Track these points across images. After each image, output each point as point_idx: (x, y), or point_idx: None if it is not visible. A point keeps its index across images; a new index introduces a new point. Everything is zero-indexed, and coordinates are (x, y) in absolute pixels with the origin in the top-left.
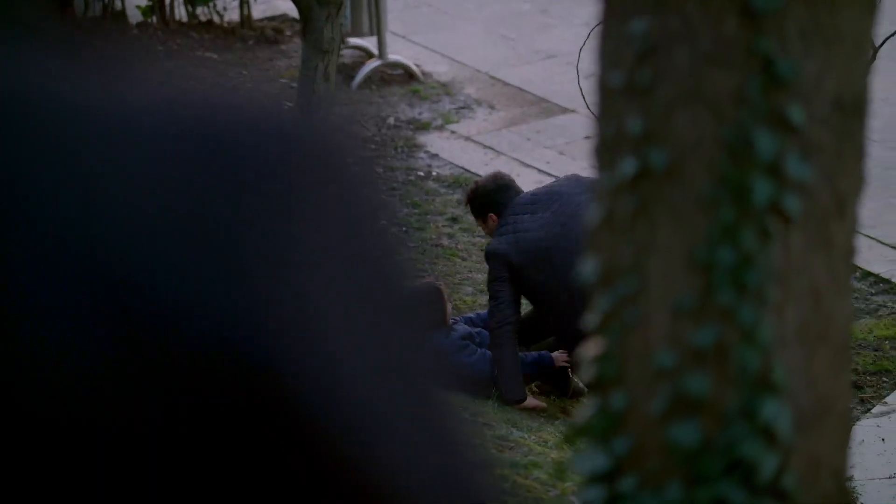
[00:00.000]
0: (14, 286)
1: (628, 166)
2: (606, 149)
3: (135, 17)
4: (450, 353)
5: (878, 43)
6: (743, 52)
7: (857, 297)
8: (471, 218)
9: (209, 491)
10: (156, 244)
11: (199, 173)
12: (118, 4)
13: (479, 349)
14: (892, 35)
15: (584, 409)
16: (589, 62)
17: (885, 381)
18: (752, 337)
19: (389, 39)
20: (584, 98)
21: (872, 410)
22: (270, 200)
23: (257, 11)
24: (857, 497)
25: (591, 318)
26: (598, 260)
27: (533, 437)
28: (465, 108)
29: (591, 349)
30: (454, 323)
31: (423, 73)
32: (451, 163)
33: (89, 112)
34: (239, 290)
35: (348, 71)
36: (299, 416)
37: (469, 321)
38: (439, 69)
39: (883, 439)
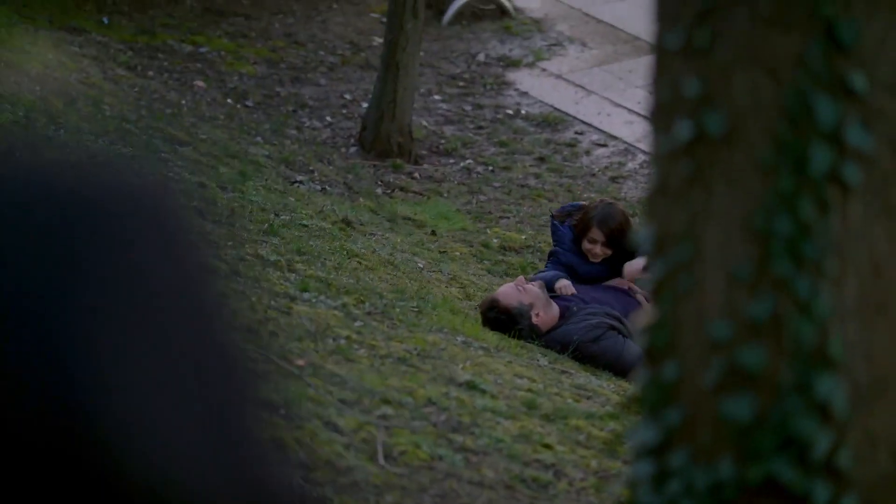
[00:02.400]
0: None
1: (684, 130)
2: (662, 111)
3: None
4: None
5: None
6: (804, 15)
7: None
8: (559, 158)
9: None
10: None
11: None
12: None
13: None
14: None
15: (637, 378)
16: None
17: None
18: (809, 309)
19: None
20: None
21: None
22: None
23: None
24: None
25: (645, 285)
26: (653, 226)
27: (611, 386)
28: (557, 45)
29: (644, 316)
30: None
31: (516, 9)
32: (541, 101)
33: None
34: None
35: (439, 6)
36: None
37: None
38: (532, 5)
39: None
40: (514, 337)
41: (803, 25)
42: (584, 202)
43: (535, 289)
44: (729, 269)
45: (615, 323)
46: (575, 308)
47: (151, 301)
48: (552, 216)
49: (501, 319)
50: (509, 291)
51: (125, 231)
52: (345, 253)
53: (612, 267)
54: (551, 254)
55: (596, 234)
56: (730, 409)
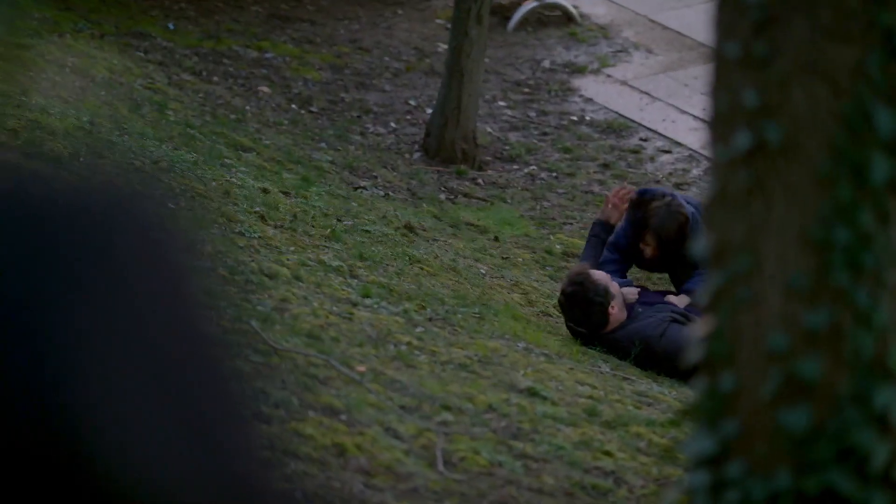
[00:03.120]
0: None
1: (743, 140)
2: (721, 121)
3: None
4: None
5: None
6: (864, 26)
7: None
8: (623, 164)
9: None
10: None
11: None
12: None
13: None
14: None
15: (693, 389)
16: None
17: None
18: (868, 320)
19: None
20: None
21: None
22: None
23: None
24: None
25: (702, 296)
26: (711, 236)
27: (673, 394)
28: (623, 51)
29: (701, 327)
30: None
31: (581, 15)
32: (606, 107)
33: None
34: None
35: (505, 12)
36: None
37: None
38: (598, 11)
39: None
40: (580, 322)
41: (863, 35)
42: (664, 190)
43: (619, 288)
44: (787, 279)
45: (678, 317)
46: (640, 309)
47: (135, 307)
48: (632, 199)
49: (587, 288)
50: (603, 275)
51: (110, 240)
52: (407, 259)
53: (661, 268)
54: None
55: (650, 239)
56: (787, 420)
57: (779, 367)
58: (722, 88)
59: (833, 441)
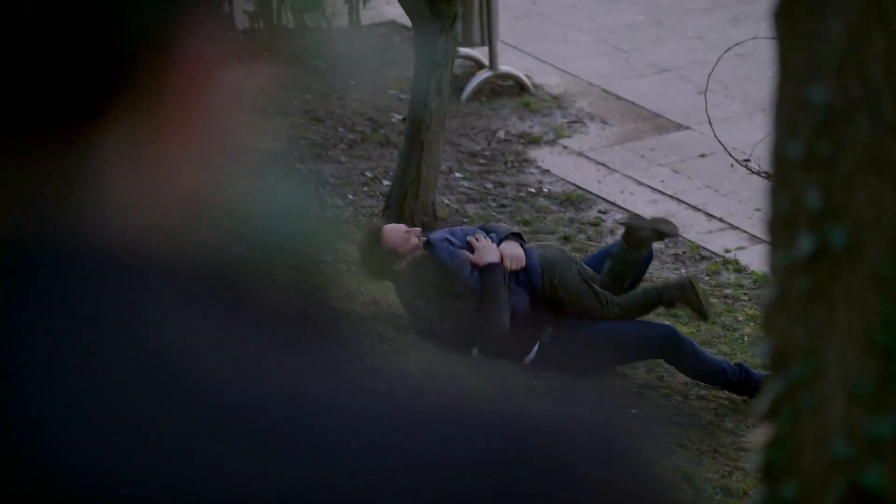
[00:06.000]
0: None
1: (805, 244)
2: (781, 224)
3: (242, 21)
4: None
5: None
6: None
7: None
8: (583, 237)
9: None
10: None
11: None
12: (226, 8)
13: None
14: None
15: (753, 499)
16: (701, 76)
17: None
18: None
19: (500, 49)
20: (708, 116)
21: None
22: None
23: (366, 18)
24: None
25: (761, 403)
26: (771, 341)
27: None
28: (577, 122)
29: (760, 436)
30: None
31: (534, 85)
32: (563, 179)
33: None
34: None
35: (458, 82)
36: None
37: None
38: (551, 81)
39: None
40: None
41: None
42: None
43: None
44: (850, 385)
45: None
46: None
47: None
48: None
49: None
50: None
51: None
52: (376, 336)
53: None
54: None
55: None
56: None
57: (842, 475)
58: (783, 190)
59: None
